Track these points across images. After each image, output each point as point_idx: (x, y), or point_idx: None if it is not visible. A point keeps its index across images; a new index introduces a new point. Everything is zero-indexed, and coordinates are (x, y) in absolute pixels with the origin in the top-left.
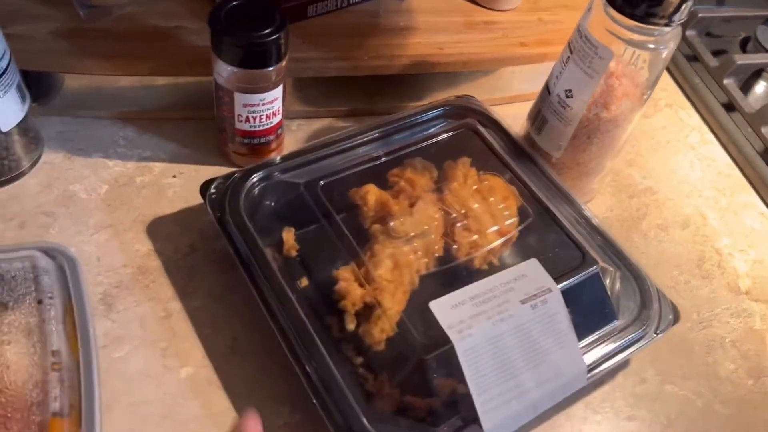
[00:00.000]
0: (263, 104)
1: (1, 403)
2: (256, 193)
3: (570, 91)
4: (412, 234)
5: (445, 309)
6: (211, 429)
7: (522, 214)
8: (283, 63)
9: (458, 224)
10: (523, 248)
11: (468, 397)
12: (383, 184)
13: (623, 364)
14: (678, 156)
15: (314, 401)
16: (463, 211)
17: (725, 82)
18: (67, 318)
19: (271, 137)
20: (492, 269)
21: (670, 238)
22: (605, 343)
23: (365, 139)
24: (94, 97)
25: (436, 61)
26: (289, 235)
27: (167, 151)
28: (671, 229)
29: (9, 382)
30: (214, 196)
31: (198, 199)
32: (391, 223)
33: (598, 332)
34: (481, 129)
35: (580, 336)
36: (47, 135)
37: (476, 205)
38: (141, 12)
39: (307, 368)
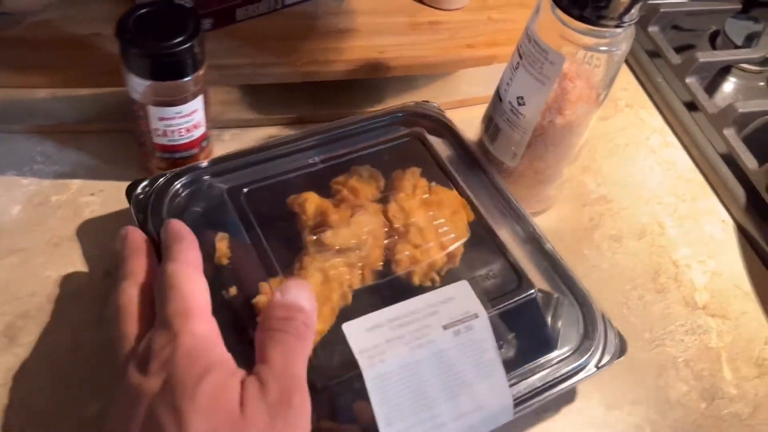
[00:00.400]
0: (180, 117)
1: None
2: (183, 197)
3: (522, 98)
4: (344, 246)
5: (359, 331)
6: None
7: (471, 229)
8: (201, 72)
9: (399, 237)
10: (466, 268)
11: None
12: (326, 192)
13: (565, 394)
14: (637, 160)
15: None
16: (405, 224)
17: (688, 80)
18: None
19: (195, 151)
20: (431, 288)
21: (624, 250)
22: (539, 374)
23: (307, 145)
24: (6, 110)
25: (377, 66)
26: (222, 242)
27: (87, 167)
28: (626, 240)
29: None
30: (140, 197)
31: (118, 221)
32: (321, 234)
33: (532, 362)
34: (431, 137)
35: (512, 366)
36: None
37: (421, 219)
38: (56, 18)
39: None
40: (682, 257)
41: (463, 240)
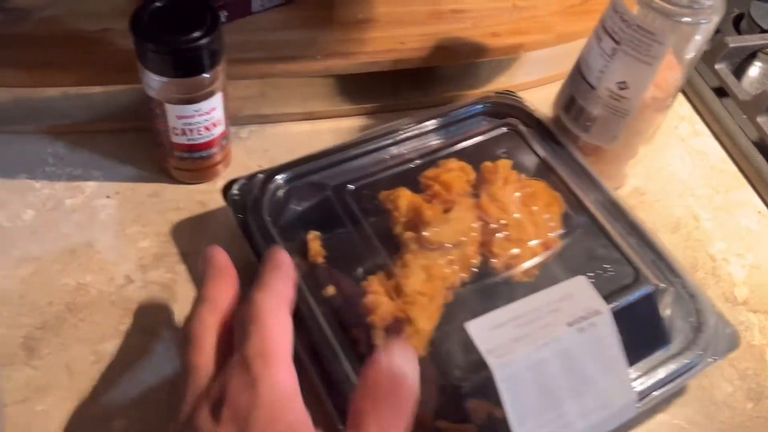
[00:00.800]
0: (199, 115)
1: None
2: (281, 195)
3: (624, 82)
4: (447, 243)
5: (483, 331)
6: None
7: (567, 223)
8: (219, 67)
9: (498, 234)
10: (569, 262)
11: (504, 423)
12: (416, 187)
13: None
14: (666, 150)
15: (340, 427)
16: (503, 220)
17: (717, 66)
18: None
19: (214, 150)
20: (533, 284)
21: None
22: (658, 370)
23: (396, 139)
24: (16, 110)
25: (398, 58)
26: (315, 241)
27: (101, 168)
28: (661, 234)
29: None
30: (237, 197)
31: (136, 224)
32: (425, 232)
33: (649, 358)
34: (522, 128)
35: (630, 362)
36: None
37: (517, 213)
38: (63, 14)
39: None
40: (719, 251)
41: (559, 232)
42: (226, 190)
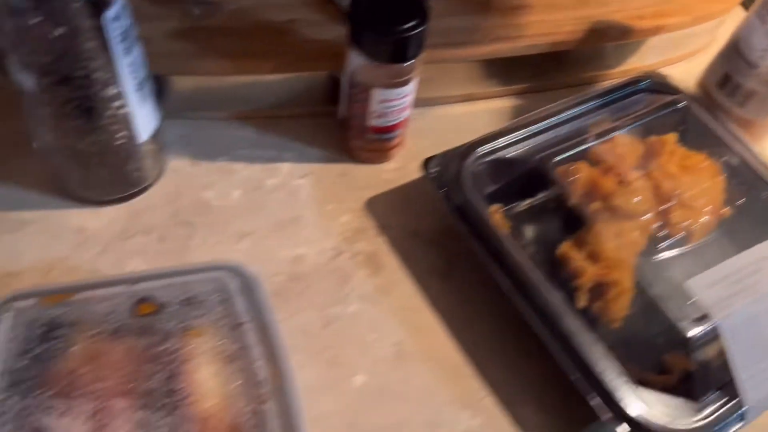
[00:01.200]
0: (399, 99)
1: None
2: (475, 169)
3: None
4: (632, 212)
5: (702, 287)
6: None
7: (731, 191)
8: (423, 54)
9: (671, 203)
10: (740, 227)
11: (697, 375)
12: (590, 161)
13: None
14: None
15: (575, 377)
16: (675, 190)
17: None
18: (263, 342)
19: (400, 131)
20: (710, 247)
21: None
22: None
23: (569, 116)
24: (205, 98)
25: (554, 41)
26: (496, 214)
27: (290, 151)
28: None
29: (226, 414)
30: (435, 173)
31: (332, 202)
32: (615, 202)
33: None
34: (680, 104)
35: None
36: (167, 140)
37: (686, 183)
38: (253, 6)
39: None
40: None
41: (726, 200)
42: (425, 166)
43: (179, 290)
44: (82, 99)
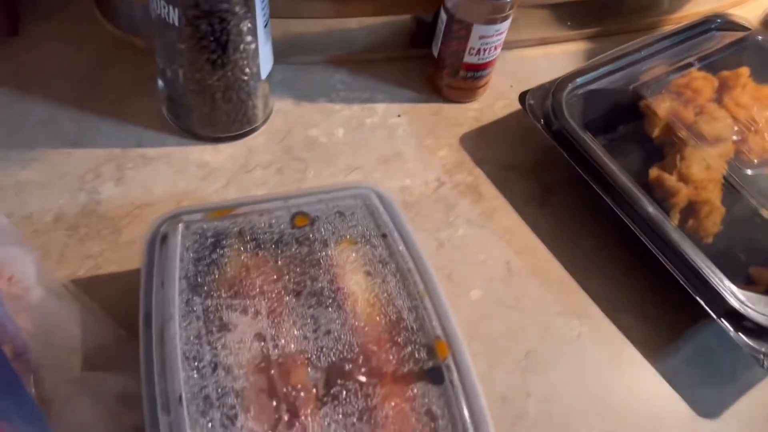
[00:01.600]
0: (497, 35)
1: (385, 328)
2: (570, 101)
3: None
4: (717, 137)
5: None
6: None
7: None
8: None
9: (750, 130)
10: None
11: None
12: (671, 94)
13: None
14: None
15: (687, 284)
16: (750, 118)
17: None
18: (407, 249)
19: (490, 70)
20: None
21: None
22: None
23: (648, 53)
24: (301, 43)
25: None
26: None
27: (383, 92)
28: None
29: (388, 310)
30: (533, 104)
31: (429, 138)
32: (701, 130)
33: None
34: (748, 42)
35: None
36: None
37: (760, 113)
38: None
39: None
40: None
41: None
42: (522, 99)
43: (329, 205)
44: (220, 32)
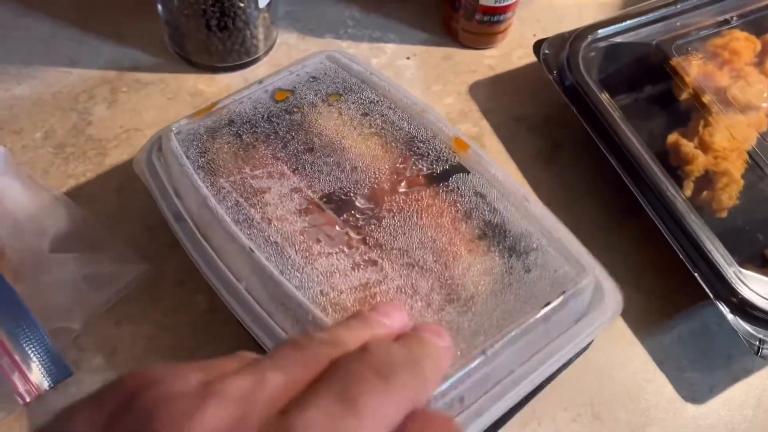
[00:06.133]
0: None
1: (405, 147)
2: (589, 54)
3: None
4: (749, 105)
5: None
6: None
7: None
8: None
9: None
10: None
11: None
12: (705, 54)
13: None
14: None
15: (686, 258)
16: None
17: None
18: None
19: (509, 15)
20: None
21: None
22: None
23: (682, 8)
24: None
25: None
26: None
27: (395, 32)
28: None
29: (398, 134)
30: (548, 55)
31: (437, 83)
32: (731, 94)
33: None
34: None
35: None
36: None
37: None
38: None
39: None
40: None
41: None
42: (536, 48)
43: (300, 75)
44: None
